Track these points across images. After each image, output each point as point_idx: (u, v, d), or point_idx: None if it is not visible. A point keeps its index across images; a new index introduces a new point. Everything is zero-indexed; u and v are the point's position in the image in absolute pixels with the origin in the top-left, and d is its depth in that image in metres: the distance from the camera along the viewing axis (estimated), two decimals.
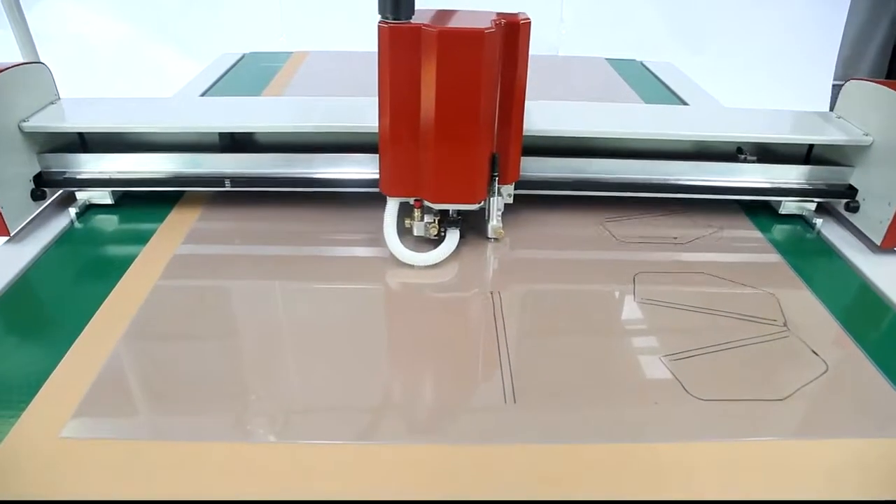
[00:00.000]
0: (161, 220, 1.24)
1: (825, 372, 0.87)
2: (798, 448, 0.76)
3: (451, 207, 1.11)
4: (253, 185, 1.24)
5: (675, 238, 1.20)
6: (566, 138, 1.27)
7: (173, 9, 3.47)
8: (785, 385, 0.85)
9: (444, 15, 1.00)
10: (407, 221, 1.13)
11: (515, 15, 1.02)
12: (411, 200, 1.10)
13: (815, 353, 0.91)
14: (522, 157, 1.15)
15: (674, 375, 0.86)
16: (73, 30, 3.45)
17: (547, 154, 1.26)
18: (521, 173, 1.17)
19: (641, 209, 1.30)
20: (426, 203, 1.09)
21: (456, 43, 0.94)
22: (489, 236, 1.16)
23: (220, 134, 1.27)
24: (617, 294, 1.06)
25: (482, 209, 1.14)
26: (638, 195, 1.28)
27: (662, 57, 2.35)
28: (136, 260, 1.11)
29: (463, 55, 0.94)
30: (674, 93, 1.94)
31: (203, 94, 1.83)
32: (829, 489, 0.70)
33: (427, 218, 1.12)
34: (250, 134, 1.31)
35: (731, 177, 1.28)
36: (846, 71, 3.84)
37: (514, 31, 1.01)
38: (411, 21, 0.95)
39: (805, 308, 1.02)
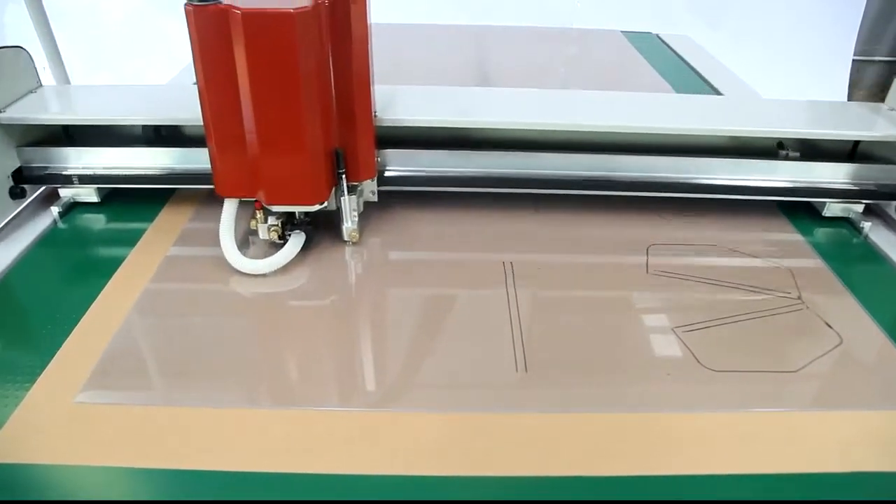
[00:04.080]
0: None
1: (839, 345, 0.87)
2: (811, 419, 0.76)
3: (290, 209, 1.01)
4: None
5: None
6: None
7: None
8: (798, 357, 0.85)
9: None
10: (252, 222, 1.03)
11: None
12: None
13: (829, 325, 0.90)
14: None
15: (686, 347, 0.86)
16: (84, 1, 3.43)
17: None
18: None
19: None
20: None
21: (264, 26, 0.84)
22: (344, 239, 1.06)
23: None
24: (629, 266, 1.04)
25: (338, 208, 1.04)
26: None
27: (678, 30, 2.34)
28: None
29: (274, 40, 0.85)
30: (699, 74, 1.87)
31: None
32: (842, 461, 0.71)
33: (270, 220, 1.01)
34: None
35: (766, 175, 1.17)
36: (866, 46, 3.74)
37: (343, 7, 0.90)
38: (221, 2, 0.85)
39: (819, 281, 1.01)
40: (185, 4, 0.85)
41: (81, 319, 0.91)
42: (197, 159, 1.14)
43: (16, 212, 1.14)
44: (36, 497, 0.66)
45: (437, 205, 1.18)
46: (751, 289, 0.97)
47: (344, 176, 0.99)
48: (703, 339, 0.88)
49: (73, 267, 1.06)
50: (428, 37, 2.28)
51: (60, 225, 1.14)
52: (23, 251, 1.06)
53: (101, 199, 1.18)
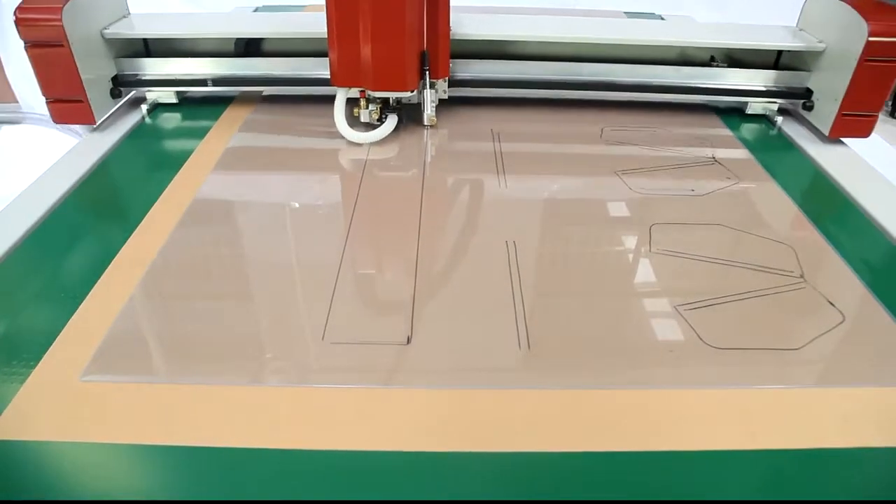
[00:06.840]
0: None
1: (841, 322, 0.87)
2: (813, 396, 0.76)
3: (388, 95, 1.34)
4: (288, 84, 1.49)
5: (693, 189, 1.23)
6: (533, 43, 1.52)
7: None
8: (801, 335, 0.85)
9: None
10: (355, 111, 1.37)
11: None
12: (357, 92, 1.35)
13: (831, 303, 0.91)
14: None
15: (689, 324, 0.86)
16: None
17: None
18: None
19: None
20: (369, 93, 1.33)
21: None
22: (424, 123, 1.37)
23: (262, 39, 1.52)
24: (631, 244, 1.06)
25: (420, 103, 1.38)
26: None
27: (681, 11, 2.44)
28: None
29: None
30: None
31: None
32: (844, 436, 0.71)
33: (371, 106, 1.36)
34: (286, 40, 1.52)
35: (705, 80, 1.49)
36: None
37: None
38: None
39: (822, 261, 1.02)
40: None
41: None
42: (254, 66, 1.47)
43: (114, 108, 1.46)
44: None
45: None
46: (754, 267, 0.98)
47: (427, 72, 1.32)
48: (705, 317, 0.88)
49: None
50: None
51: (147, 121, 1.46)
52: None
53: (179, 101, 1.51)
